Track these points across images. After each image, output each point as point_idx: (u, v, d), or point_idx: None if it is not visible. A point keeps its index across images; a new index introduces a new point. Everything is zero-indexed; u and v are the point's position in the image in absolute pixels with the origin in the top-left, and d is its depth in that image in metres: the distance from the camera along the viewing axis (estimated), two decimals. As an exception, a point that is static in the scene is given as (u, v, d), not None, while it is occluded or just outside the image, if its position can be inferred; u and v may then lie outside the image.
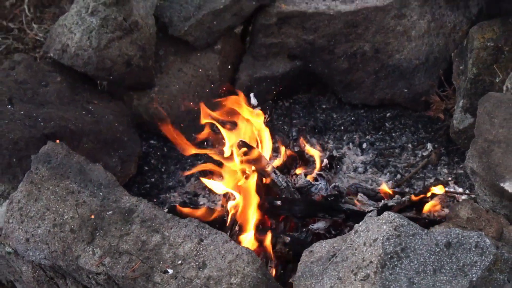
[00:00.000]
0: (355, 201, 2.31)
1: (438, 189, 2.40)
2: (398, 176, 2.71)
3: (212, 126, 2.66)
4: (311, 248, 1.82)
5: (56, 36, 2.70)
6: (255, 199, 2.24)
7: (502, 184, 1.95)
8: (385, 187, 2.46)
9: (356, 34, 2.94)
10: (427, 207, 2.34)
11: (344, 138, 2.95)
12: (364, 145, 2.88)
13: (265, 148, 2.53)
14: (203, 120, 2.51)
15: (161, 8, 2.88)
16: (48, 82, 2.63)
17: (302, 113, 3.11)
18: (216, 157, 2.45)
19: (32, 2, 3.68)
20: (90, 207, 2.00)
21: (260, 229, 2.22)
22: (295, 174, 2.50)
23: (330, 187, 2.40)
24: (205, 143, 2.78)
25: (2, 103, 2.44)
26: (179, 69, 2.92)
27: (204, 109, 2.51)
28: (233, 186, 2.35)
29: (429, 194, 2.39)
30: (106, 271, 1.85)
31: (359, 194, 2.35)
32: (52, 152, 2.17)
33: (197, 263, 1.82)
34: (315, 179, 2.44)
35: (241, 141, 2.43)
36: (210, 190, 2.67)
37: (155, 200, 2.62)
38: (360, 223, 1.75)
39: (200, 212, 2.30)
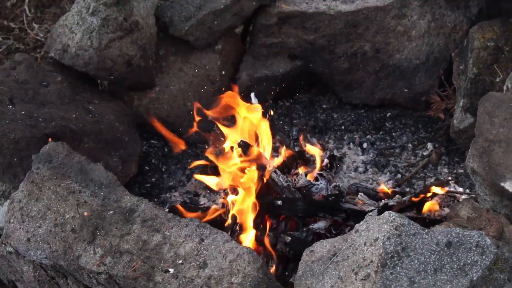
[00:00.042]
0: (356, 201, 2.32)
1: (437, 189, 2.40)
2: (399, 175, 2.71)
3: (209, 125, 2.69)
4: (312, 248, 1.82)
5: (56, 36, 2.70)
6: (255, 198, 2.24)
7: (502, 184, 1.95)
8: (383, 187, 2.47)
9: (357, 34, 2.95)
10: (426, 207, 2.35)
11: (345, 138, 2.95)
12: (365, 145, 2.89)
13: (264, 142, 2.52)
14: (197, 118, 2.53)
15: (162, 8, 2.88)
16: (49, 82, 2.64)
17: (303, 113, 3.11)
18: (211, 157, 2.46)
19: (33, 2, 3.68)
20: (91, 207, 2.00)
21: (261, 229, 2.22)
22: (296, 173, 2.50)
23: (331, 186, 2.41)
24: (205, 144, 2.79)
25: (3, 103, 2.44)
26: (180, 69, 2.92)
27: (198, 107, 2.53)
28: (234, 183, 2.36)
29: (429, 195, 2.39)
30: (107, 270, 1.85)
31: (360, 193, 2.35)
32: (53, 152, 2.17)
33: (198, 263, 1.82)
34: (316, 179, 2.44)
35: (242, 141, 2.43)
36: (211, 190, 2.67)
37: (156, 199, 2.62)
38: (361, 222, 1.75)
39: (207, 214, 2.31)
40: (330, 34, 2.96)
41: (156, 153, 2.88)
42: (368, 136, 2.95)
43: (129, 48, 2.63)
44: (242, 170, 2.39)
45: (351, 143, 2.90)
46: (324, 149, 2.81)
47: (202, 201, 2.61)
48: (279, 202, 2.26)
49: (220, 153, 2.48)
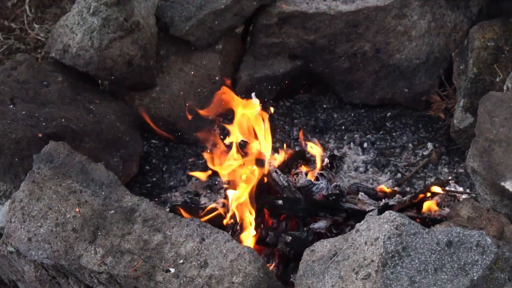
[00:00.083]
0: (356, 201, 2.32)
1: (437, 189, 2.41)
2: (399, 175, 2.72)
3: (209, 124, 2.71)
4: (313, 247, 1.83)
5: (57, 36, 2.70)
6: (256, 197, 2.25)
7: (503, 183, 1.96)
8: (383, 187, 2.47)
9: (357, 34, 2.95)
10: (424, 206, 2.35)
11: (345, 137, 2.95)
12: (365, 145, 2.89)
13: (262, 137, 2.52)
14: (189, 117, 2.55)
15: (162, 8, 2.88)
16: (49, 82, 2.64)
17: (303, 113, 3.11)
18: (209, 165, 2.49)
19: (33, 3, 3.69)
20: (92, 207, 2.00)
21: (262, 228, 2.22)
22: (296, 173, 2.50)
23: (331, 186, 2.41)
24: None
25: (4, 103, 2.44)
26: (180, 69, 2.92)
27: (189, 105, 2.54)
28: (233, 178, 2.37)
29: (428, 194, 2.39)
30: (108, 270, 1.85)
31: (360, 193, 2.35)
32: (54, 152, 2.17)
33: (199, 262, 1.82)
34: (316, 179, 2.45)
35: (242, 140, 2.44)
36: (212, 190, 2.68)
37: (156, 199, 2.62)
38: (362, 222, 1.76)
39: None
40: (331, 34, 2.96)
41: (156, 153, 2.88)
42: (368, 136, 2.95)
43: (130, 48, 2.64)
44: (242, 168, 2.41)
45: (352, 143, 2.91)
46: (324, 148, 2.82)
47: (203, 201, 2.62)
48: (280, 201, 2.26)
49: (215, 146, 2.50)
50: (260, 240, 2.15)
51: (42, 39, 3.49)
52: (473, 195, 2.34)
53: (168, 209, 2.27)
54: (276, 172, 2.40)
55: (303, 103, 3.17)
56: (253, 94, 2.63)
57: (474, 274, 1.56)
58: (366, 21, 2.92)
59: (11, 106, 2.44)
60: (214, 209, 2.38)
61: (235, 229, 2.22)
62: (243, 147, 2.46)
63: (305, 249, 1.84)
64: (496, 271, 1.59)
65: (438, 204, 2.40)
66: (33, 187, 2.08)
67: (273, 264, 2.16)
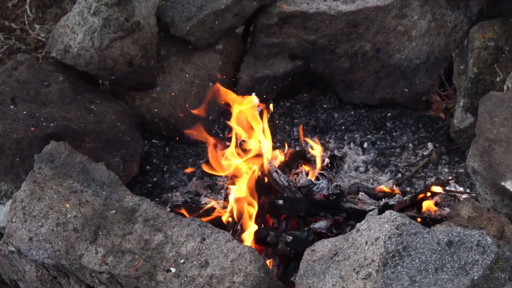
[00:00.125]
0: (357, 200, 2.32)
1: (436, 189, 2.41)
2: (399, 175, 2.72)
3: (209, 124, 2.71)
4: (313, 247, 1.83)
5: (58, 37, 2.71)
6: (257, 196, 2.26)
7: (503, 183, 1.96)
8: (383, 187, 2.47)
9: (357, 34, 2.95)
10: (423, 206, 2.35)
11: (345, 137, 2.96)
12: (365, 145, 2.89)
13: (259, 132, 2.54)
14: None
15: (163, 8, 2.89)
16: (50, 82, 2.64)
17: (303, 113, 3.11)
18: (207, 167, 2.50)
19: (34, 3, 3.69)
20: (93, 206, 2.01)
21: (262, 228, 2.22)
22: (297, 173, 2.51)
23: (332, 186, 2.41)
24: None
25: (5, 103, 2.44)
26: (181, 69, 2.93)
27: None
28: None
29: (429, 194, 2.40)
30: (109, 270, 1.85)
31: (360, 193, 2.36)
32: (55, 152, 2.18)
33: (199, 262, 1.83)
34: (317, 178, 2.45)
35: (243, 140, 2.44)
36: (212, 190, 2.68)
37: (157, 199, 2.62)
38: (362, 222, 1.76)
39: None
40: (331, 34, 2.96)
41: (157, 153, 2.88)
42: (368, 136, 2.95)
43: (131, 48, 2.64)
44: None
45: (352, 143, 2.91)
46: (325, 148, 2.82)
47: (204, 200, 2.62)
48: (280, 201, 2.27)
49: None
50: (260, 240, 2.15)
51: (42, 39, 3.49)
52: (474, 195, 2.34)
53: (168, 209, 2.27)
54: (276, 172, 2.41)
55: (304, 103, 3.17)
56: (253, 94, 2.63)
57: (475, 273, 1.56)
58: (367, 21, 2.92)
59: (12, 106, 2.44)
60: (213, 208, 2.38)
61: (236, 229, 2.23)
62: (241, 144, 2.47)
63: (306, 249, 1.84)
64: (496, 270, 1.60)
65: (438, 204, 2.41)
66: (34, 187, 2.08)
67: (273, 259, 2.16)
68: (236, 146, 2.46)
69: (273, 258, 2.16)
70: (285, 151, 2.63)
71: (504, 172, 1.98)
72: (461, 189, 2.56)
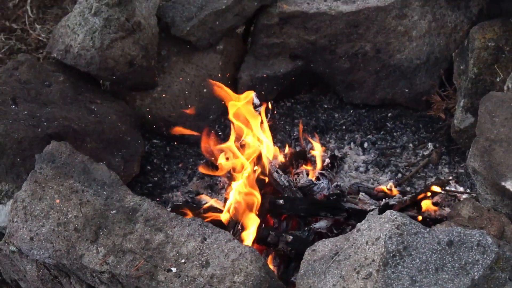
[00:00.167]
0: (357, 200, 2.32)
1: (436, 189, 2.41)
2: (399, 175, 2.72)
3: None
4: (314, 247, 1.83)
5: (59, 37, 2.71)
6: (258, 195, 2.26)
7: (503, 183, 1.96)
8: (383, 187, 2.48)
9: (358, 34, 2.96)
10: (423, 206, 2.36)
11: (346, 137, 2.96)
12: (366, 145, 2.89)
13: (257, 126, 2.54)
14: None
15: (164, 9, 2.89)
16: (51, 82, 2.65)
17: (304, 113, 3.12)
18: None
19: (35, 3, 3.69)
20: (94, 206, 2.01)
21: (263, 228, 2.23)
22: (297, 173, 2.51)
23: (332, 186, 2.42)
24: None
25: (6, 103, 2.45)
26: (182, 69, 2.93)
27: None
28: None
29: (429, 194, 2.40)
30: (110, 269, 1.86)
31: (361, 193, 2.36)
32: (56, 152, 2.18)
33: (200, 262, 1.83)
34: (317, 178, 2.45)
35: (244, 140, 2.44)
36: (212, 190, 2.68)
37: (158, 199, 2.63)
38: (363, 221, 1.76)
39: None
40: (331, 34, 2.96)
41: (158, 153, 2.89)
42: (369, 136, 2.95)
43: (131, 48, 2.64)
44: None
45: (352, 143, 2.91)
46: (325, 148, 2.82)
47: (204, 200, 2.62)
48: (281, 201, 2.27)
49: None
50: (261, 240, 2.15)
51: (43, 39, 3.50)
52: (474, 195, 2.35)
53: (169, 209, 2.28)
54: (277, 172, 2.41)
55: (304, 103, 3.18)
56: (254, 94, 2.63)
57: (475, 273, 1.57)
58: (367, 21, 2.93)
59: (13, 106, 2.44)
60: (212, 208, 2.38)
61: (236, 229, 2.23)
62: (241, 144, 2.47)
63: (306, 249, 1.84)
64: (497, 270, 1.60)
65: (438, 204, 2.41)
66: (35, 187, 2.08)
67: (273, 256, 2.16)
68: (236, 140, 2.47)
69: (274, 256, 2.16)
70: (286, 151, 2.64)
71: (504, 172, 1.98)
72: (462, 189, 2.57)
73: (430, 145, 2.86)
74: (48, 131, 2.36)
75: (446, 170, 2.72)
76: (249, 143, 2.46)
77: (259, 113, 2.55)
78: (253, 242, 2.13)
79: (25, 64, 2.68)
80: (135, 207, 2.01)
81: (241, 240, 2.12)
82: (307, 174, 2.48)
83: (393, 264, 1.59)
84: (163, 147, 2.92)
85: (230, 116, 2.51)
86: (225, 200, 2.40)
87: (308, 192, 2.38)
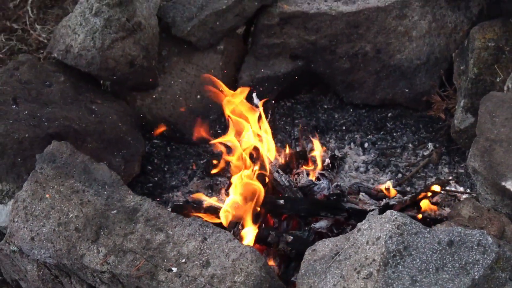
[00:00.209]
0: (357, 200, 2.33)
1: (436, 188, 2.42)
2: (400, 175, 2.72)
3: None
4: (314, 247, 1.83)
5: (59, 37, 2.71)
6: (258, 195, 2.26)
7: (503, 183, 1.97)
8: (383, 187, 2.48)
9: (358, 35, 2.96)
10: (422, 206, 2.36)
11: (346, 137, 2.96)
12: (366, 145, 2.90)
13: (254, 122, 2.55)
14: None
15: (164, 9, 2.89)
16: (52, 82, 2.65)
17: (304, 113, 3.12)
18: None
19: (35, 3, 3.69)
20: (94, 206, 2.01)
21: (263, 228, 2.23)
22: (298, 173, 2.51)
23: (332, 186, 2.42)
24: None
25: (6, 103, 2.45)
26: (182, 69, 2.93)
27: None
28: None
29: (429, 194, 2.40)
30: (110, 269, 1.86)
31: (361, 193, 2.36)
32: (57, 152, 2.18)
33: (201, 262, 1.83)
34: (317, 179, 2.45)
35: (244, 140, 2.45)
36: (213, 190, 2.68)
37: (158, 199, 2.63)
38: (363, 221, 1.76)
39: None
40: (332, 35, 2.97)
41: (158, 153, 2.89)
42: (369, 136, 2.96)
43: (132, 48, 2.64)
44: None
45: (352, 143, 2.91)
46: (325, 149, 2.82)
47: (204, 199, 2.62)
48: (281, 201, 2.27)
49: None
50: (261, 240, 2.15)
51: (44, 40, 3.50)
52: (474, 194, 2.35)
53: (170, 209, 2.28)
54: (277, 172, 2.41)
55: (304, 103, 3.18)
56: (254, 94, 2.64)
57: (475, 273, 1.57)
58: (367, 21, 2.93)
59: (14, 106, 2.45)
60: (212, 207, 2.39)
61: (237, 229, 2.23)
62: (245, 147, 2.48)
63: (307, 249, 1.84)
64: (497, 270, 1.60)
65: (438, 204, 2.41)
66: (36, 187, 2.08)
67: (273, 255, 2.17)
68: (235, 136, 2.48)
69: (274, 256, 2.16)
70: (286, 152, 2.64)
71: (504, 172, 1.98)
72: (462, 189, 2.57)
73: (430, 145, 2.86)
74: (49, 131, 2.36)
75: (446, 170, 2.73)
76: (248, 140, 2.47)
77: (259, 112, 2.56)
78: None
79: (26, 64, 2.68)
80: (135, 207, 2.01)
81: (241, 239, 2.12)
82: (308, 174, 2.48)
83: (394, 264, 1.59)
84: (164, 147, 2.92)
85: (227, 112, 2.52)
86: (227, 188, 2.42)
87: (308, 192, 2.38)
